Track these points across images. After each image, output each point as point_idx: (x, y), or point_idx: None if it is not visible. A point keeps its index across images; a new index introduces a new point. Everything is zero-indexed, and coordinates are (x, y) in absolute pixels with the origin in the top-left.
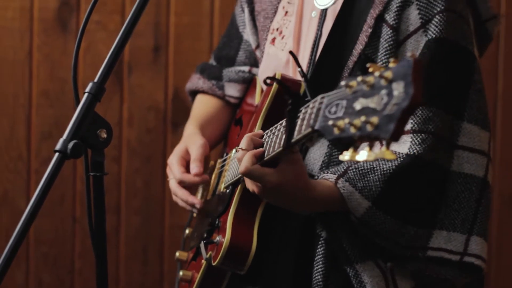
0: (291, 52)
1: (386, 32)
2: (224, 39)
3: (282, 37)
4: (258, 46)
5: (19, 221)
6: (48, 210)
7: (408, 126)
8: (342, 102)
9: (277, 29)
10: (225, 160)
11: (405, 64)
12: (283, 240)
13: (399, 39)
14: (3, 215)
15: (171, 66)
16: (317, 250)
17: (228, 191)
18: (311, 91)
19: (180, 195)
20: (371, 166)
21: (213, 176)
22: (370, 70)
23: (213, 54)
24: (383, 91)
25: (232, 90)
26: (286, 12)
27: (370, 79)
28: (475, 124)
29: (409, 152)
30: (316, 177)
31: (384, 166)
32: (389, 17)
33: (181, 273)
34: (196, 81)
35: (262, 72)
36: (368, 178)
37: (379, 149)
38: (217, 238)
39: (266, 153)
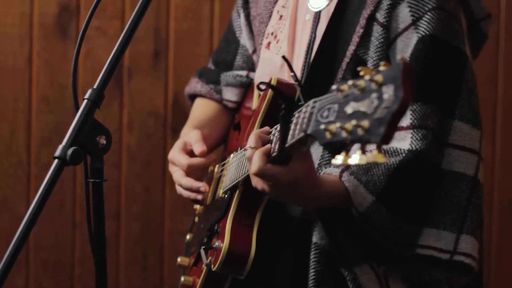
0: (283, 57)
1: (376, 30)
2: (222, 43)
3: (277, 41)
4: (254, 51)
5: (19, 227)
6: (48, 216)
7: (407, 122)
8: (334, 106)
9: (272, 33)
10: (224, 165)
11: (395, 67)
12: (281, 243)
13: (390, 37)
14: (3, 221)
15: (171, 71)
16: (311, 254)
17: (226, 196)
18: (306, 94)
19: (185, 183)
20: None
21: (213, 181)
22: (361, 73)
23: (211, 58)
24: (374, 95)
25: (230, 94)
26: (281, 16)
27: (361, 82)
28: (466, 122)
29: (411, 148)
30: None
31: (388, 161)
32: (380, 16)
33: (182, 278)
34: (195, 85)
35: (258, 77)
36: (372, 173)
37: (371, 153)
38: (216, 244)
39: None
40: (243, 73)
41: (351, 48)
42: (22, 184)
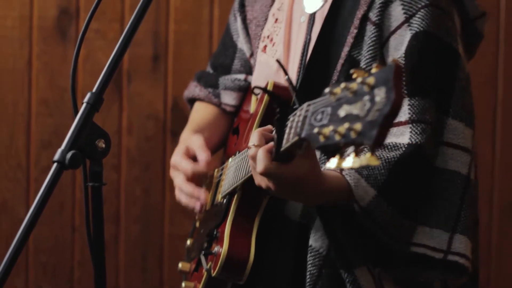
0: (277, 61)
1: (369, 30)
2: (220, 47)
3: (273, 44)
4: (252, 54)
5: (19, 230)
6: (47, 219)
7: (406, 117)
8: (327, 109)
9: (268, 37)
10: (222, 169)
11: (387, 69)
12: (280, 246)
13: (384, 35)
14: (2, 223)
15: (171, 74)
16: (308, 257)
17: (225, 201)
18: (302, 97)
19: (186, 189)
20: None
21: (212, 186)
22: (354, 76)
23: (210, 62)
24: (366, 97)
25: (228, 98)
26: (276, 19)
27: (353, 85)
28: (460, 120)
29: (410, 142)
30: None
31: (388, 155)
32: (373, 15)
33: (183, 284)
34: (193, 89)
35: (255, 80)
36: (373, 167)
37: (364, 155)
38: (215, 249)
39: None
40: (241, 76)
41: (345, 49)
42: (21, 187)
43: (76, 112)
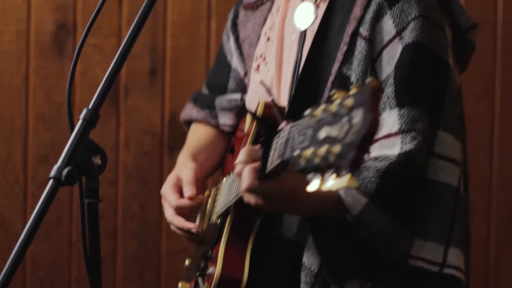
0: (261, 82)
1: (360, 45)
2: (215, 67)
3: (266, 64)
4: (246, 74)
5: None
6: (45, 234)
7: (396, 128)
8: (308, 131)
9: (261, 56)
10: (218, 189)
11: (364, 90)
12: (275, 264)
13: (376, 50)
14: (0, 239)
15: (168, 89)
16: (301, 276)
17: (219, 221)
18: (293, 115)
19: (176, 222)
20: (364, 165)
21: (208, 205)
22: (334, 97)
23: (205, 83)
24: (345, 119)
25: (226, 119)
26: (268, 38)
27: (332, 107)
28: (450, 133)
29: (400, 152)
30: None
31: (378, 164)
32: (363, 30)
33: (180, 285)
34: (190, 110)
35: (249, 100)
36: (364, 176)
37: (344, 177)
38: (210, 270)
39: None
40: (237, 96)
41: (336, 65)
42: (19, 201)
43: (72, 128)
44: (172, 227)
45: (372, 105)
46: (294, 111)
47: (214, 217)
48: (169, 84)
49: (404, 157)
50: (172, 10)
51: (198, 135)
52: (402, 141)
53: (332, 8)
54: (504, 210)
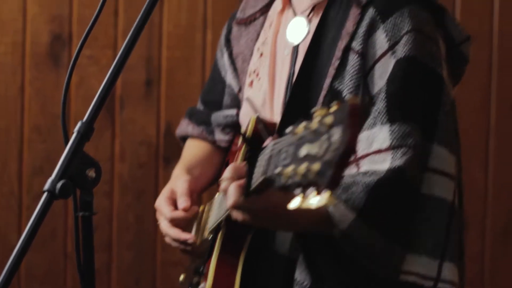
0: (247, 99)
1: (352, 59)
2: (209, 82)
3: (259, 79)
4: (240, 90)
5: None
6: (40, 246)
7: (387, 144)
8: (290, 148)
9: (254, 71)
10: (211, 204)
11: (343, 108)
12: (269, 280)
13: (368, 64)
14: None
15: (163, 100)
16: None
17: (211, 237)
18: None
19: (171, 233)
20: (353, 180)
21: (202, 221)
22: (315, 114)
23: (200, 98)
24: (324, 137)
25: (222, 135)
26: (261, 54)
27: (313, 124)
28: (444, 146)
29: (390, 167)
30: None
31: (366, 180)
32: (356, 44)
33: (181, 277)
34: (186, 126)
35: (243, 116)
36: (352, 190)
37: (324, 195)
38: (202, 285)
39: None
40: (233, 112)
41: (328, 80)
42: (14, 213)
43: (67, 141)
44: (167, 240)
45: (350, 122)
46: (286, 127)
47: (206, 233)
48: (165, 96)
49: (393, 173)
50: (167, 21)
51: (193, 150)
52: (392, 157)
53: (325, 22)
54: (499, 223)
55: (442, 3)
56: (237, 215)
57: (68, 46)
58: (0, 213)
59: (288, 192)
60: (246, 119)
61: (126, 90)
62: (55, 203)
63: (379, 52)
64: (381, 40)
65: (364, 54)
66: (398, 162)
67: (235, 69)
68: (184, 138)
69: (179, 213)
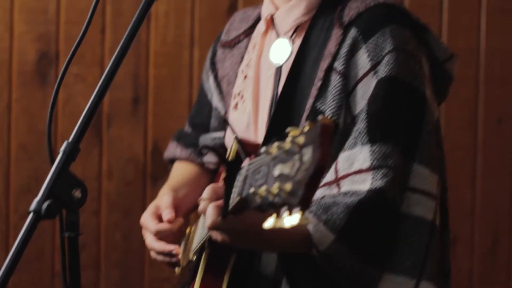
0: (225, 120)
1: (334, 79)
2: (196, 105)
3: (243, 101)
4: (226, 112)
5: None
6: (27, 265)
7: (367, 164)
8: (264, 168)
9: (239, 94)
10: (197, 225)
11: (315, 128)
12: None
13: (350, 84)
14: None
15: (151, 118)
16: None
17: (195, 258)
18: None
19: (156, 247)
20: (334, 201)
21: (188, 242)
22: (289, 134)
23: (188, 121)
24: (296, 156)
25: (210, 157)
26: (246, 76)
27: (286, 144)
28: (425, 166)
29: (371, 188)
30: None
31: (347, 200)
32: (338, 64)
33: (176, 269)
34: (174, 149)
35: (228, 138)
36: (332, 211)
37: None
38: None
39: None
40: (220, 134)
41: (310, 101)
42: (1, 232)
43: (53, 160)
44: (152, 254)
45: (321, 142)
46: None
47: (190, 254)
48: (152, 113)
49: (373, 193)
50: (155, 39)
51: (181, 172)
52: (373, 177)
53: (307, 43)
54: (487, 241)
55: (428, 20)
56: (216, 236)
57: (55, 64)
58: None
59: (264, 212)
60: (231, 141)
61: (113, 108)
62: (42, 222)
63: (361, 72)
64: (363, 60)
65: (346, 74)
66: (379, 183)
67: (220, 91)
68: (172, 161)
69: (164, 225)
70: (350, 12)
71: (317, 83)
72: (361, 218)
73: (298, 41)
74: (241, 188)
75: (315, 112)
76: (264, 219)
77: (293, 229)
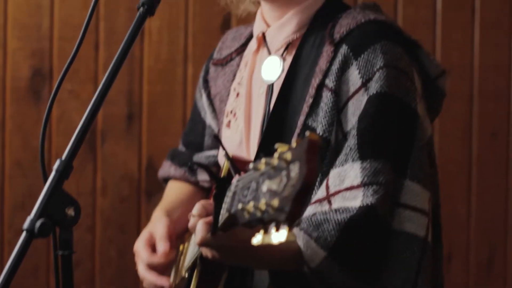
0: (215, 136)
1: (325, 96)
2: (190, 124)
3: (236, 119)
4: (219, 130)
5: None
6: (21, 282)
7: (358, 181)
8: (252, 184)
9: (231, 112)
10: (189, 243)
11: (302, 144)
12: None
13: (342, 101)
14: None
15: (145, 134)
16: None
17: (187, 275)
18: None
19: (148, 278)
20: (325, 218)
21: (182, 259)
22: (276, 151)
23: (181, 140)
24: (284, 172)
25: (205, 175)
26: (238, 94)
27: (274, 161)
28: (417, 182)
29: (362, 205)
30: None
31: (338, 217)
32: (329, 81)
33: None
34: (168, 168)
35: (221, 156)
36: (323, 228)
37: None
38: None
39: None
40: (214, 152)
41: (301, 118)
42: None
43: (46, 179)
44: (145, 284)
45: (308, 158)
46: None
47: (183, 271)
48: (146, 130)
49: (364, 210)
50: (148, 55)
51: (175, 191)
52: (364, 194)
53: (298, 60)
54: (482, 254)
55: (422, 35)
56: (206, 252)
57: (49, 80)
58: None
59: (253, 228)
60: (224, 159)
61: (107, 124)
62: (36, 240)
63: (352, 89)
64: (354, 76)
65: (337, 91)
66: (370, 199)
67: (213, 109)
68: (166, 180)
69: (157, 258)
70: (341, 29)
71: (309, 100)
72: (352, 235)
73: (289, 58)
74: (230, 204)
75: (306, 129)
76: (253, 235)
77: (283, 245)
